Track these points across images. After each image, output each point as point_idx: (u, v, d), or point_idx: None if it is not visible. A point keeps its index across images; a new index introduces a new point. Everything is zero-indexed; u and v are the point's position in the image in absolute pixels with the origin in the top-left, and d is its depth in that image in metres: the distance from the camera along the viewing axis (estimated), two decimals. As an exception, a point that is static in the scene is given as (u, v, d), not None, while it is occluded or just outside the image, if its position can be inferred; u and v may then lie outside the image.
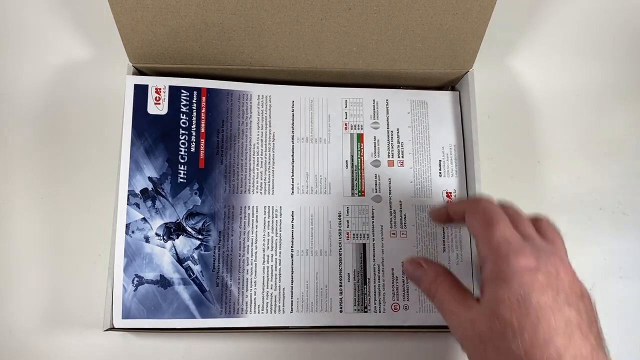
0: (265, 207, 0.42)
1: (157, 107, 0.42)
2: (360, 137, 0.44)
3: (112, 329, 0.38)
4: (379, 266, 0.42)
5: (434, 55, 0.42)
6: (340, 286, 0.41)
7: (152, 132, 0.41)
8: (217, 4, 0.38)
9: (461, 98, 0.46)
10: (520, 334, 0.28)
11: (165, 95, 0.42)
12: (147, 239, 0.40)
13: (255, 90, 0.43)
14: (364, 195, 0.43)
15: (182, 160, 0.41)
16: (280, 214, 0.42)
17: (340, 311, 0.41)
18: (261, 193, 0.42)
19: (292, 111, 0.44)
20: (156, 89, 0.42)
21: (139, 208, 0.40)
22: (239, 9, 0.38)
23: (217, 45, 0.41)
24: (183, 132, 0.42)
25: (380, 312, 0.41)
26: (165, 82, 0.42)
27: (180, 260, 0.40)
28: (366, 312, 0.41)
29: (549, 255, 0.30)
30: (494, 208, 0.33)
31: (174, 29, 0.39)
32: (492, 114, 0.48)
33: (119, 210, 0.40)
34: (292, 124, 0.43)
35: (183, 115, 0.42)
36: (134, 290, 0.39)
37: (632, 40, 0.53)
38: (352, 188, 0.43)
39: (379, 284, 0.42)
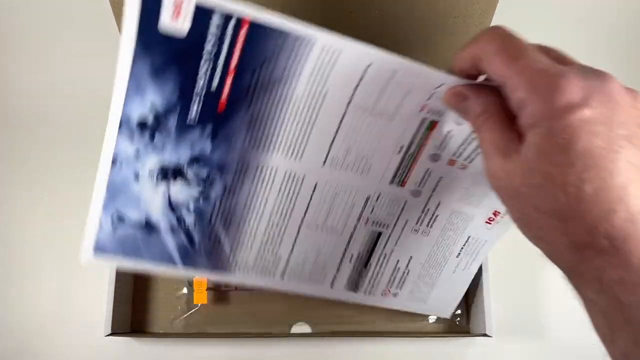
0: (286, 171, 0.34)
1: (174, 23, 0.28)
2: (431, 125, 0.33)
3: (113, 334, 0.38)
4: (386, 255, 0.38)
5: (436, 59, 0.38)
6: (340, 264, 0.38)
7: (163, 51, 0.29)
8: None
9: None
10: (564, 189, 0.22)
11: (187, 13, 0.27)
12: (136, 177, 0.32)
13: (322, 38, 0.29)
14: (403, 186, 0.36)
15: (197, 96, 0.30)
16: (301, 184, 0.35)
17: (331, 287, 0.39)
18: (286, 155, 0.33)
19: (362, 76, 0.31)
20: (175, 2, 0.27)
21: (132, 139, 0.31)
22: None
23: None
24: (205, 60, 0.29)
25: (368, 294, 0.40)
26: None
27: (172, 206, 0.34)
28: (355, 292, 0.39)
29: (598, 80, 0.23)
30: (513, 35, 0.25)
31: None
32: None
33: (106, 137, 0.31)
34: (356, 86, 0.31)
35: (208, 42, 0.29)
36: (113, 229, 0.33)
37: (632, 41, 0.53)
38: (395, 176, 0.35)
39: (378, 271, 0.39)
